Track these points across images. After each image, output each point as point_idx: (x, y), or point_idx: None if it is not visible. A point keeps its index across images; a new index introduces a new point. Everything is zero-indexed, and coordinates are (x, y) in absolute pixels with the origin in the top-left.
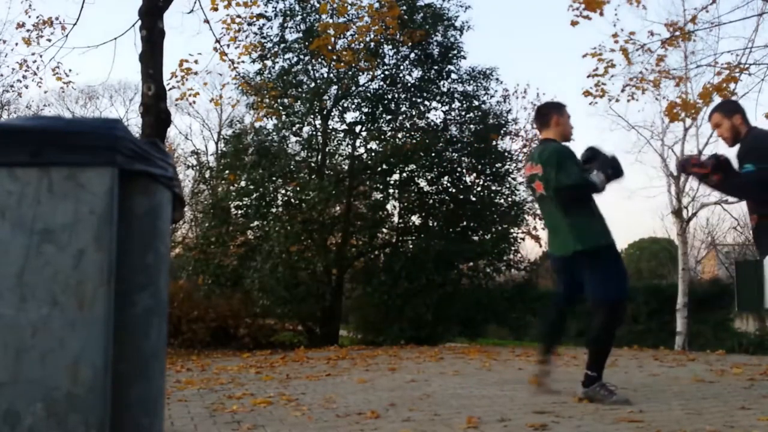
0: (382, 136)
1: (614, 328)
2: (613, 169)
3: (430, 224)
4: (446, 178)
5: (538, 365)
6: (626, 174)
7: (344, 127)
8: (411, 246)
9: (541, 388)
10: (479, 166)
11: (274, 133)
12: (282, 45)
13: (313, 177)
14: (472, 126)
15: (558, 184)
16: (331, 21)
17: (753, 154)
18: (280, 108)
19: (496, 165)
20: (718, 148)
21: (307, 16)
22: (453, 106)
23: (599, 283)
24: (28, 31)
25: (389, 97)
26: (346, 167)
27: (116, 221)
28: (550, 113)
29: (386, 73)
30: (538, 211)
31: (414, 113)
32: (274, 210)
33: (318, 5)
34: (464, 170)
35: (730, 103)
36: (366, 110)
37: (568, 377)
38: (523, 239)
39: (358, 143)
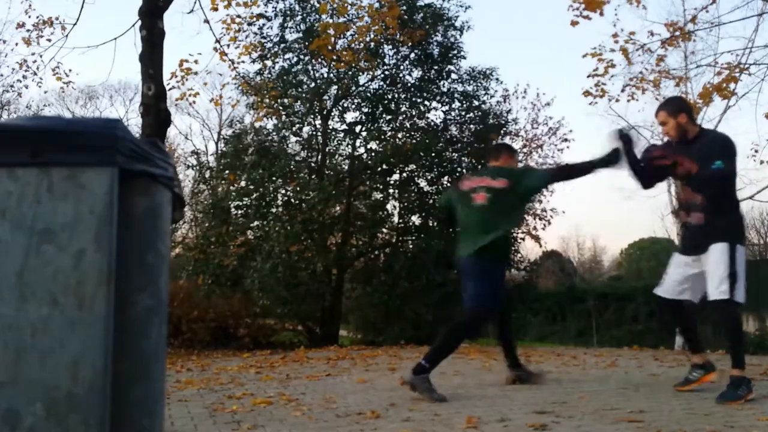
0: (382, 136)
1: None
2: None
3: (430, 224)
4: (446, 178)
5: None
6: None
7: (344, 127)
8: (411, 246)
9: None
10: (479, 166)
11: (274, 133)
12: (282, 45)
13: (313, 177)
14: (472, 126)
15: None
16: (331, 21)
17: (721, 152)
18: (280, 108)
19: None
20: None
21: (307, 16)
22: (453, 106)
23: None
24: (28, 31)
25: (389, 97)
26: (346, 167)
27: (116, 221)
28: (500, 152)
29: (386, 73)
30: (538, 211)
31: (414, 113)
32: (274, 210)
33: (318, 5)
34: (464, 170)
35: (675, 101)
36: (366, 110)
37: (568, 377)
38: (523, 239)
39: (358, 143)
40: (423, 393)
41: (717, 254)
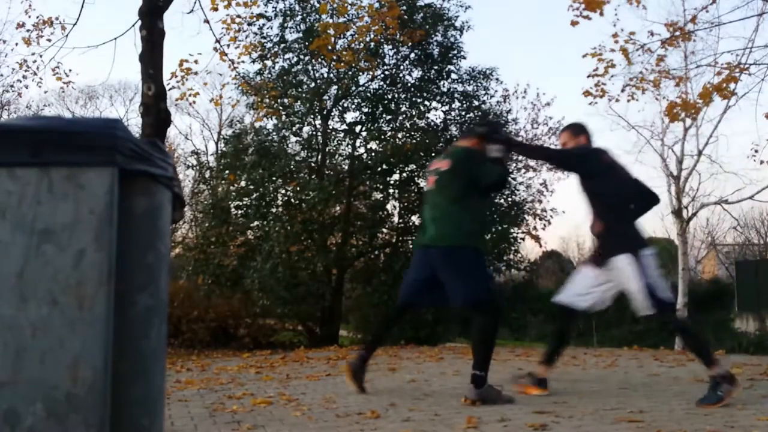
0: (382, 136)
1: (498, 326)
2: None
3: None
4: None
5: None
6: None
7: (344, 127)
8: (411, 246)
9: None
10: None
11: (274, 133)
12: (282, 45)
13: (313, 177)
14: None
15: (488, 180)
16: (331, 21)
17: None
18: (280, 108)
19: None
20: (717, 148)
21: (307, 16)
22: (453, 106)
23: (475, 282)
24: (28, 31)
25: (389, 97)
26: (346, 167)
27: (116, 221)
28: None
29: (386, 73)
30: (539, 211)
31: (414, 113)
32: (274, 210)
33: (318, 5)
34: None
35: (578, 125)
36: (366, 110)
37: (568, 377)
38: (523, 239)
39: (358, 143)
40: (496, 401)
41: (626, 270)
